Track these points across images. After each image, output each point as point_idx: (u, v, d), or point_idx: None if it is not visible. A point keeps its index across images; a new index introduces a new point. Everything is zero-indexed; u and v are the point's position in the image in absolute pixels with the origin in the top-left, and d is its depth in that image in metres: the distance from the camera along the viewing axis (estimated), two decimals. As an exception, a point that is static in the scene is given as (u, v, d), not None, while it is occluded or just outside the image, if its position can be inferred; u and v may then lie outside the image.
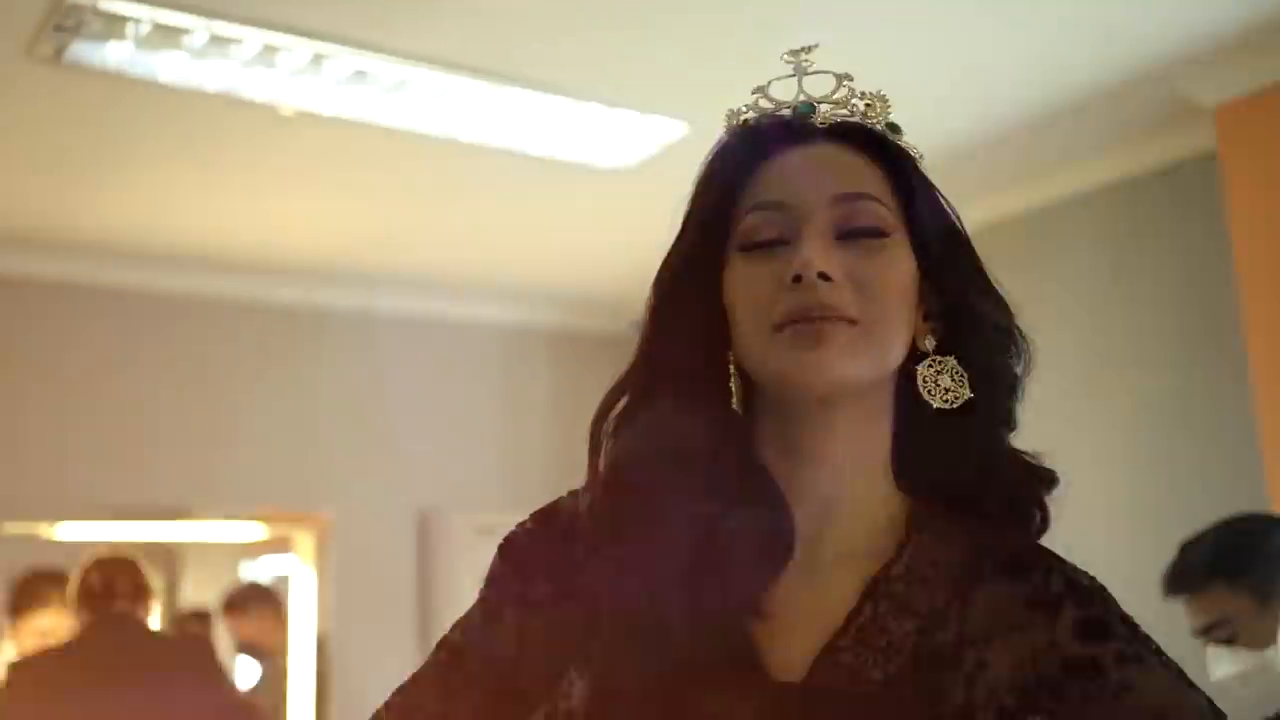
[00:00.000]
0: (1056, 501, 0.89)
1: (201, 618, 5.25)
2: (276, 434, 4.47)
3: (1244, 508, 3.01)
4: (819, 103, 0.90)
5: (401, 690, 0.90)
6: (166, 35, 2.64)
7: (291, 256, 4.30)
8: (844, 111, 0.89)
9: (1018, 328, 0.90)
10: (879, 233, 0.84)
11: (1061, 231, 3.69)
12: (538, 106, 3.09)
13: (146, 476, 4.24)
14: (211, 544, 5.76)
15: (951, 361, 0.87)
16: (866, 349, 0.82)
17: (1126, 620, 0.82)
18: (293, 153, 3.41)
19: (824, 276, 0.80)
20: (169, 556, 6.07)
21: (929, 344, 0.87)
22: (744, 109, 0.91)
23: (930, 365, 0.86)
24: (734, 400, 0.87)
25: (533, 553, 0.89)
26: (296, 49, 2.75)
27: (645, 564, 0.81)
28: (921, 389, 0.86)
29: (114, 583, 2.95)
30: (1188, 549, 1.99)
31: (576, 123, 3.18)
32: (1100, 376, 3.52)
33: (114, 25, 2.62)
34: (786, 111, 0.90)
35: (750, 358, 0.84)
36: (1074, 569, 0.84)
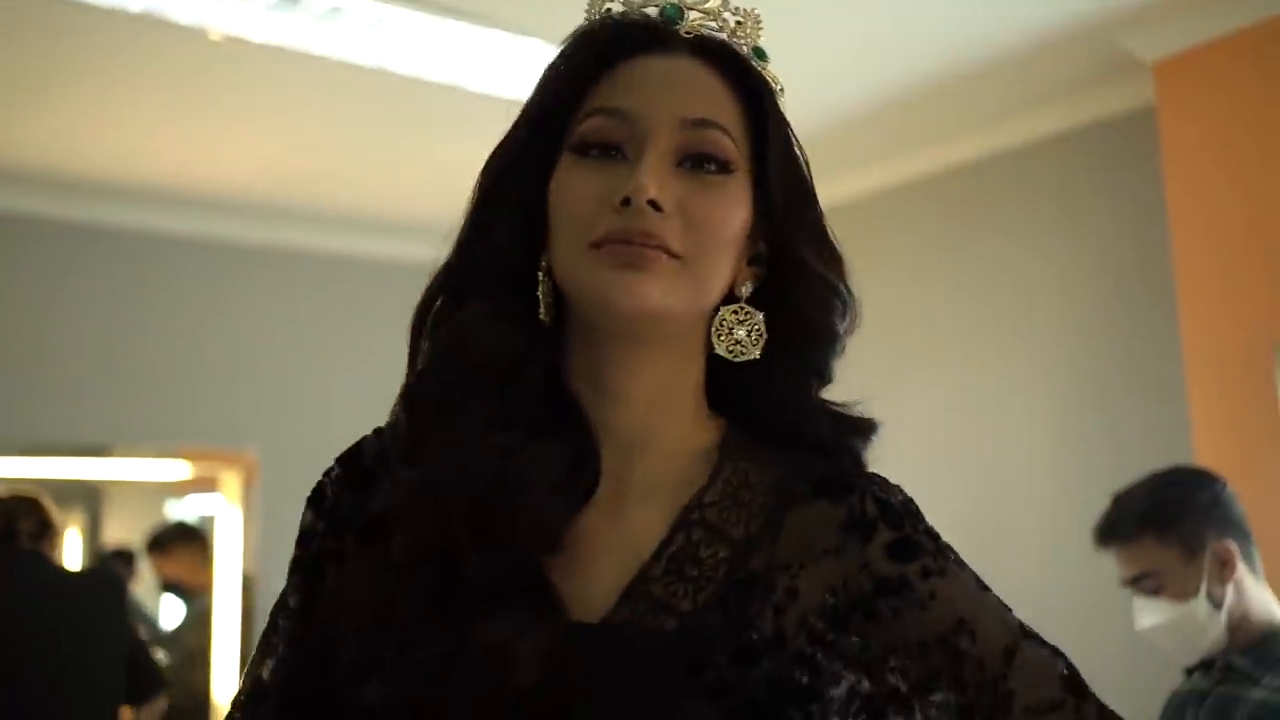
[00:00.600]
0: (876, 446, 0.87)
1: (125, 557, 5.18)
2: (203, 371, 4.39)
3: (1170, 452, 3.09)
4: (689, 8, 0.85)
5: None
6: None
7: (218, 188, 4.19)
8: (713, 24, 0.85)
9: (846, 285, 0.86)
10: (722, 167, 0.80)
11: (1003, 181, 3.71)
12: (475, 40, 3.01)
13: (70, 412, 4.15)
14: (135, 482, 5.66)
15: (758, 318, 0.84)
16: (684, 285, 0.78)
17: (931, 534, 0.82)
18: (220, 80, 3.30)
19: (654, 205, 0.77)
20: (90, 494, 5.95)
21: (745, 290, 0.84)
22: None
23: (735, 312, 0.84)
24: (542, 310, 0.83)
25: (340, 500, 0.85)
26: (225, -29, 2.65)
27: (436, 488, 0.77)
28: (713, 332, 0.83)
29: (16, 521, 2.90)
30: (1120, 501, 2.01)
31: (513, 58, 3.12)
32: (1036, 323, 3.57)
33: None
34: (653, 10, 0.85)
35: (563, 270, 0.80)
36: (885, 487, 0.83)
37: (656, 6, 0.85)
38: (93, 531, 6.06)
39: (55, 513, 2.98)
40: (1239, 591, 1.89)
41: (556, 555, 0.78)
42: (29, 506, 2.93)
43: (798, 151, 0.86)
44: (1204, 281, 2.92)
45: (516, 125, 0.85)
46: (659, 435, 0.83)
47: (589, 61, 0.83)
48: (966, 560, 0.83)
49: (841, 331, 0.86)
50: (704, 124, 0.80)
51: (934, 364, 3.81)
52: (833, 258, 0.86)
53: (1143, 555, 1.94)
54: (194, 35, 2.94)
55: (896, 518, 0.81)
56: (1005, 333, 3.64)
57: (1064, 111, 3.51)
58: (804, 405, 0.86)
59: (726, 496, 0.81)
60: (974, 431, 3.67)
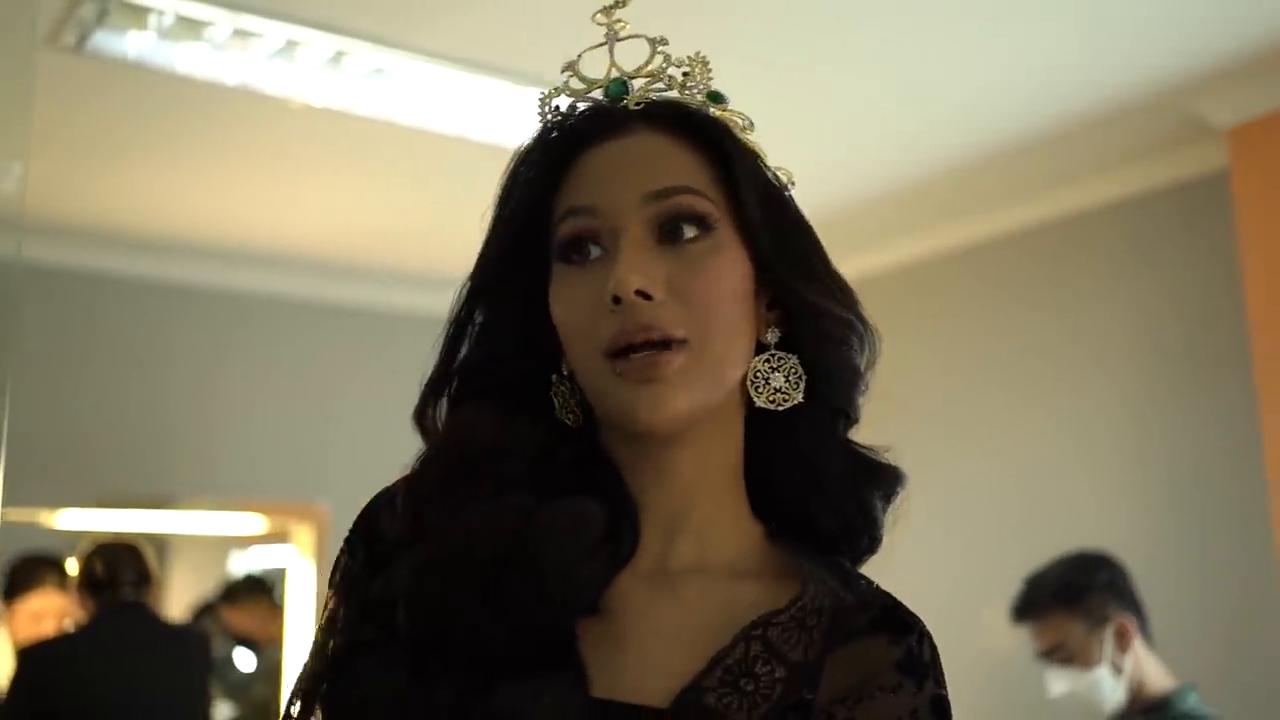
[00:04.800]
0: (900, 505, 0.85)
1: (209, 609, 5.25)
2: (276, 424, 4.48)
3: (1246, 524, 3.06)
4: (631, 77, 0.84)
5: None
6: (189, 27, 2.64)
7: (301, 250, 4.30)
8: (660, 85, 0.83)
9: (859, 316, 0.83)
10: (699, 225, 0.78)
11: (1071, 246, 3.71)
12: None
13: (144, 465, 4.24)
14: (201, 535, 5.75)
15: (792, 361, 0.81)
16: (702, 372, 0.77)
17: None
18: (309, 147, 3.41)
19: (643, 294, 0.75)
20: (156, 547, 6.04)
21: (771, 336, 0.82)
22: (554, 91, 0.85)
23: (767, 360, 0.81)
24: (563, 413, 0.84)
25: (360, 580, 0.82)
26: (318, 44, 2.75)
27: (443, 562, 0.75)
28: (749, 385, 0.81)
29: (118, 570, 2.97)
30: (1033, 582, 2.32)
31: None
32: (1103, 387, 3.55)
33: (136, 16, 2.62)
34: (599, 93, 0.84)
35: (586, 384, 0.80)
36: (933, 639, 0.80)
37: (600, 88, 0.84)
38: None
39: (155, 562, 3.06)
40: (1136, 661, 2.19)
41: (596, 620, 0.76)
42: (130, 555, 3.00)
43: (776, 186, 0.84)
44: (1281, 348, 2.90)
45: (491, 240, 0.85)
46: (702, 519, 0.82)
47: (548, 163, 0.83)
48: None
49: (861, 366, 0.84)
50: (668, 192, 0.78)
51: (1000, 430, 3.79)
52: (838, 291, 0.83)
53: (1054, 629, 2.25)
54: (283, 105, 3.05)
55: (941, 672, 0.79)
56: (1071, 399, 3.62)
57: (1134, 176, 3.51)
58: (832, 447, 0.83)
59: (794, 620, 0.77)
60: (1036, 502, 3.64)
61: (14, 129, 1.51)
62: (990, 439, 3.79)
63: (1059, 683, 2.23)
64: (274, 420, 4.48)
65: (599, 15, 0.86)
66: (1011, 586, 2.38)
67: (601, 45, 0.85)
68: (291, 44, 2.74)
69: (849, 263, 4.62)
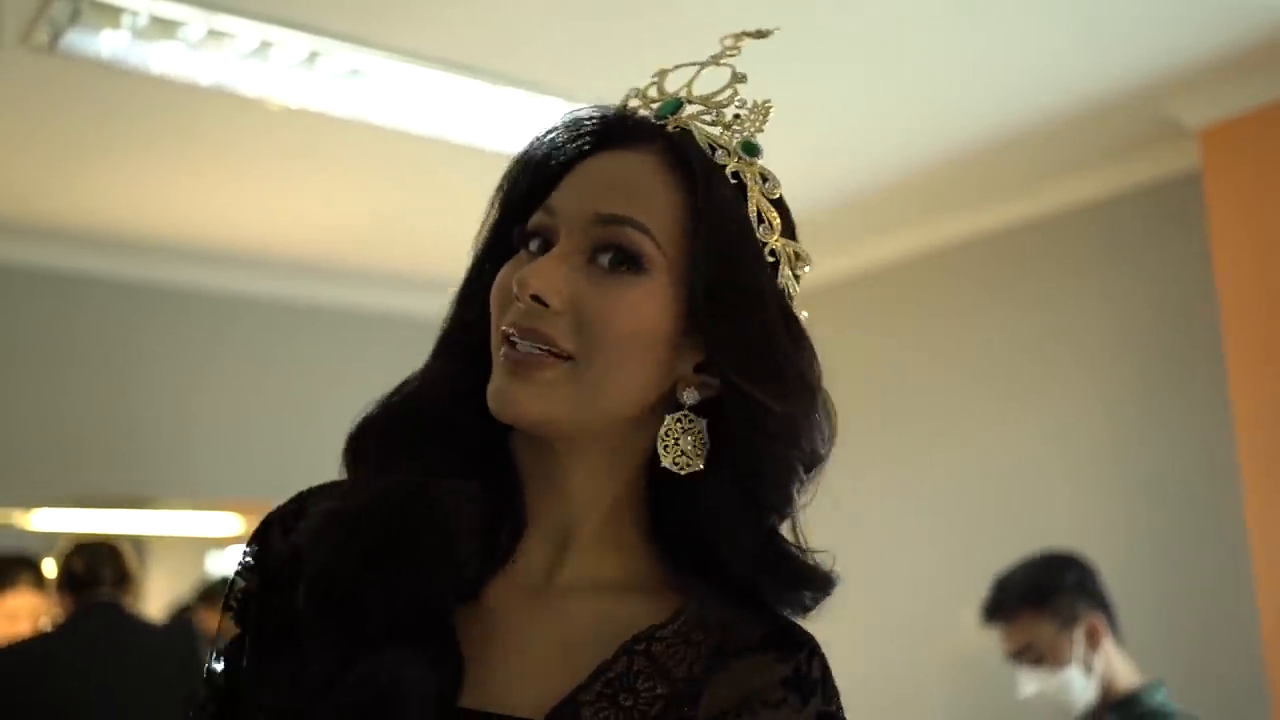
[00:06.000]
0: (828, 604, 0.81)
1: (186, 611, 5.22)
2: (254, 425, 4.46)
3: (1223, 524, 3.08)
4: (690, 101, 0.83)
5: None
6: (163, 27, 2.63)
7: (276, 250, 4.29)
8: (708, 117, 0.82)
9: (811, 418, 0.79)
10: (633, 262, 0.77)
11: (1046, 245, 3.73)
12: (528, 107, 3.09)
13: (121, 465, 4.22)
14: (178, 536, 5.71)
15: (701, 425, 0.79)
16: (575, 390, 0.75)
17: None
18: (284, 148, 3.40)
19: (538, 300, 0.75)
20: (134, 547, 6.00)
21: (688, 397, 0.79)
22: (633, 92, 0.85)
23: (680, 420, 0.79)
24: None
25: (253, 598, 0.82)
26: (292, 44, 2.75)
27: (346, 517, 0.76)
28: (659, 441, 0.78)
29: (98, 569, 2.95)
30: (1000, 583, 2.34)
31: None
32: (1079, 393, 3.57)
33: (109, 16, 2.61)
34: (655, 105, 0.83)
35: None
36: (826, 658, 0.79)
37: (658, 102, 0.84)
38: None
39: (135, 562, 3.04)
40: (1106, 660, 2.23)
41: (471, 626, 0.76)
42: (112, 554, 2.98)
43: (751, 258, 0.79)
44: (1253, 348, 2.92)
45: (491, 205, 0.86)
46: (593, 536, 0.81)
47: (561, 158, 0.83)
48: None
49: (788, 460, 0.78)
50: (615, 220, 0.77)
51: (979, 427, 3.81)
52: (795, 385, 0.78)
53: (1024, 630, 2.27)
54: (258, 106, 3.04)
55: (831, 692, 0.78)
56: (1052, 398, 3.64)
57: (1108, 177, 3.53)
58: (754, 544, 0.79)
59: (679, 635, 0.77)
60: (1013, 500, 3.66)
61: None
62: (969, 436, 3.81)
63: (1030, 683, 2.25)
64: (251, 420, 4.47)
65: (728, 39, 0.85)
66: (983, 580, 2.40)
67: (693, 65, 0.85)
68: (266, 44, 2.74)
69: (826, 263, 4.66)
